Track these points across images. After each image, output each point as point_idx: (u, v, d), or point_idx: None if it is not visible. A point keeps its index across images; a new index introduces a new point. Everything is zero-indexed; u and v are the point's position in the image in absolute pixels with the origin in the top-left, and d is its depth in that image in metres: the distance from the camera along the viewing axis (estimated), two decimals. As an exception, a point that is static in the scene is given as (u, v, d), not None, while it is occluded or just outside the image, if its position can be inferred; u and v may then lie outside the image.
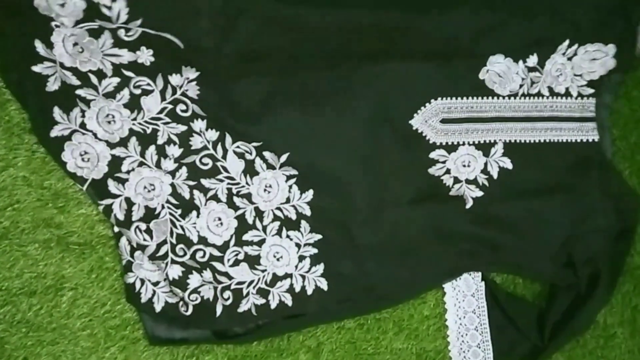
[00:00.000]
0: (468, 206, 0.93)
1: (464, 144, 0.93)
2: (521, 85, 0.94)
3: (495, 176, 0.94)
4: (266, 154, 0.88)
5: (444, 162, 0.93)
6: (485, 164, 0.94)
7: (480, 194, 0.93)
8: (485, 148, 0.94)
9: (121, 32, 0.84)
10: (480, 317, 0.95)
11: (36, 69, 0.82)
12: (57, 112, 0.83)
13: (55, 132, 0.83)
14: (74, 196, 0.87)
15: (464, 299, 0.95)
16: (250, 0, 0.87)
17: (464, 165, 0.93)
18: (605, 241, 0.95)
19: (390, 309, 0.94)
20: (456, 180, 0.93)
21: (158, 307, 0.85)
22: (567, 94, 0.95)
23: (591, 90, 0.95)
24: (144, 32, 0.84)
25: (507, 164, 0.94)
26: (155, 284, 0.86)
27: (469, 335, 0.95)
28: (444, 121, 0.92)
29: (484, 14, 0.92)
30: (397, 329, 0.95)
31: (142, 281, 0.85)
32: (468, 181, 0.93)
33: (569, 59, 0.94)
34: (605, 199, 0.94)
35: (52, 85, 0.83)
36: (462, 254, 0.93)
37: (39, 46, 0.82)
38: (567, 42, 0.93)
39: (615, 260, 0.95)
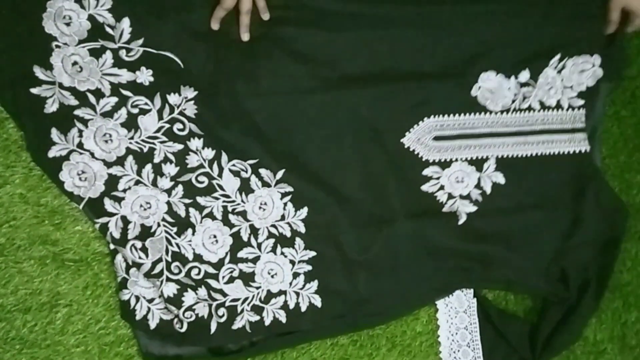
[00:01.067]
0: (461, 222, 0.94)
1: (457, 160, 0.94)
2: (513, 101, 0.95)
3: (488, 191, 0.95)
4: (262, 171, 0.89)
5: (437, 178, 0.94)
6: (479, 180, 0.95)
7: (474, 209, 0.94)
8: (478, 164, 0.95)
9: (122, 53, 0.85)
10: (473, 334, 0.96)
11: (35, 91, 0.83)
12: (54, 133, 0.84)
13: (53, 153, 0.84)
14: (70, 213, 0.88)
15: (456, 316, 0.96)
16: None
17: (458, 181, 0.94)
18: (594, 252, 0.96)
19: (383, 325, 0.95)
20: (450, 196, 0.94)
21: (153, 324, 0.86)
22: (558, 106, 0.97)
23: (581, 102, 0.97)
24: (145, 51, 0.85)
25: (500, 179, 0.95)
26: (150, 301, 0.86)
27: (461, 351, 0.96)
28: (436, 138, 0.94)
29: (476, 32, 0.93)
30: (390, 345, 0.95)
31: (137, 298, 0.86)
32: (462, 197, 0.94)
33: (559, 72, 0.96)
34: (595, 209, 0.96)
35: (51, 107, 0.84)
36: (454, 271, 0.94)
37: (38, 71, 0.83)
38: (558, 56, 0.95)
39: (602, 270, 0.96)
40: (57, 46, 0.83)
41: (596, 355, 1.00)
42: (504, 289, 0.99)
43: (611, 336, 1.01)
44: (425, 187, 0.94)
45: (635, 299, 1.01)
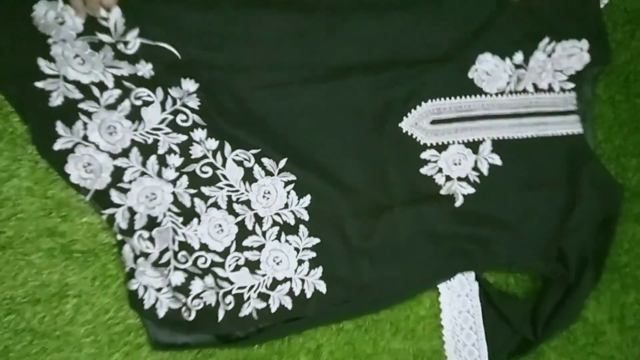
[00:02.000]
0: (458, 204, 0.95)
1: (453, 143, 0.96)
2: (508, 83, 0.97)
3: (485, 173, 0.96)
4: (265, 160, 0.90)
5: (435, 161, 0.95)
6: (476, 162, 0.96)
7: (472, 190, 0.95)
8: (474, 146, 0.96)
9: (121, 46, 0.85)
10: (475, 317, 0.97)
11: (39, 84, 0.83)
12: (60, 126, 0.84)
13: (58, 145, 0.84)
14: (77, 205, 0.88)
15: (458, 299, 0.97)
16: (238, 16, 0.89)
17: (455, 164, 0.96)
18: (591, 231, 0.97)
19: (387, 309, 0.96)
20: (448, 179, 0.95)
21: (161, 313, 0.87)
22: (550, 89, 0.98)
23: (572, 85, 0.99)
24: (142, 44, 0.86)
25: (497, 160, 0.96)
26: (158, 290, 0.87)
27: (464, 334, 0.97)
28: (434, 122, 0.95)
29: (470, 14, 0.95)
30: (394, 329, 0.96)
31: (145, 288, 0.87)
32: (460, 179, 0.96)
33: (549, 55, 0.97)
34: (591, 189, 0.97)
35: (55, 101, 0.84)
36: (454, 254, 0.95)
37: (42, 64, 0.83)
38: (547, 40, 0.97)
39: (600, 249, 0.98)
40: (54, 42, 0.83)
41: (595, 336, 1.01)
42: (503, 270, 1.00)
43: (610, 317, 1.02)
44: (423, 171, 0.95)
45: (633, 281, 1.03)
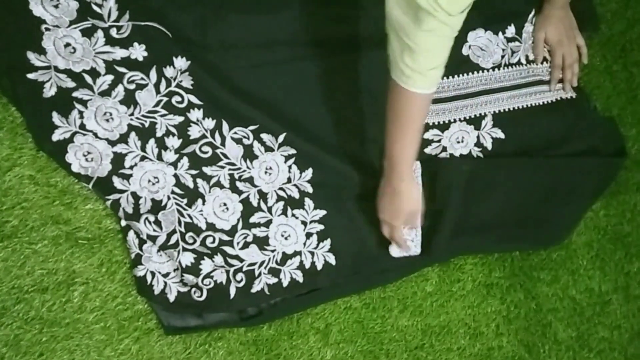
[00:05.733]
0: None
1: (455, 121, 0.96)
2: (502, 56, 0.97)
3: (489, 147, 0.96)
4: (264, 136, 0.90)
5: (439, 141, 0.96)
6: (478, 137, 0.96)
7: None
8: (475, 122, 0.97)
9: (113, 31, 0.85)
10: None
11: (31, 76, 0.83)
12: (56, 117, 0.84)
13: (56, 136, 0.84)
14: (81, 192, 0.88)
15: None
16: None
17: (458, 142, 0.96)
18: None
19: (396, 280, 0.95)
20: (452, 157, 0.96)
21: (171, 297, 0.86)
22: (544, 58, 1.00)
23: None
24: (134, 25, 0.85)
25: (499, 134, 0.97)
26: (166, 275, 0.87)
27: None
28: (434, 101, 0.95)
29: None
30: (401, 306, 0.96)
31: (153, 274, 0.86)
32: (462, 156, 0.96)
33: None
34: (590, 136, 1.00)
35: (49, 91, 0.84)
36: (459, 231, 0.94)
37: (32, 57, 0.83)
38: (533, 12, 0.98)
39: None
40: (47, 29, 0.83)
41: (602, 305, 1.02)
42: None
43: (615, 287, 1.02)
44: (427, 150, 0.95)
45: (636, 250, 1.03)
